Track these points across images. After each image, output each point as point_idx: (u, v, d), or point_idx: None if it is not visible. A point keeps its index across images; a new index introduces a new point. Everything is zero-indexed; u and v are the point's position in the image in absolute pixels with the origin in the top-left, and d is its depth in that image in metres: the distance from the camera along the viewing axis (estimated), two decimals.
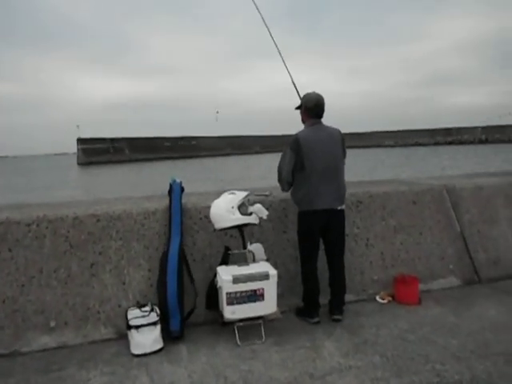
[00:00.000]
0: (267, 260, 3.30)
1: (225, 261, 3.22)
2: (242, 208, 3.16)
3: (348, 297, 3.66)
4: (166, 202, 3.48)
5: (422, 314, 3.46)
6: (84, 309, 3.17)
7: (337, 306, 3.37)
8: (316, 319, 3.29)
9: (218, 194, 3.45)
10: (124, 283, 3.27)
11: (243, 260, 3.23)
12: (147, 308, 3.03)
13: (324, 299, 3.40)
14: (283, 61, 3.86)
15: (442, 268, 4.14)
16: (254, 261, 3.22)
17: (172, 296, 3.07)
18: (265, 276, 2.96)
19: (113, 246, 3.30)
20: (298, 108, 3.52)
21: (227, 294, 2.88)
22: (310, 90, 3.49)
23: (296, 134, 3.34)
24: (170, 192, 3.49)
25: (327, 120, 3.50)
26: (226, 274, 2.93)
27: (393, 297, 3.74)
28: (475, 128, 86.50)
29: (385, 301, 3.70)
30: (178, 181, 3.58)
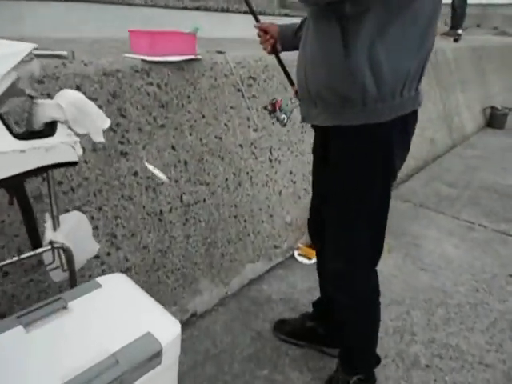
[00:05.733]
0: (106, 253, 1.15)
1: None
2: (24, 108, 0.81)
3: (258, 267, 1.97)
4: None
5: None
6: None
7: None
8: None
9: None
10: None
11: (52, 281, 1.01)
12: None
13: None
14: None
15: None
16: (71, 274, 1.02)
17: None
18: (155, 354, 0.84)
19: None
20: None
21: None
22: None
23: None
24: None
25: None
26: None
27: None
28: None
29: (311, 261, 2.12)
30: None
